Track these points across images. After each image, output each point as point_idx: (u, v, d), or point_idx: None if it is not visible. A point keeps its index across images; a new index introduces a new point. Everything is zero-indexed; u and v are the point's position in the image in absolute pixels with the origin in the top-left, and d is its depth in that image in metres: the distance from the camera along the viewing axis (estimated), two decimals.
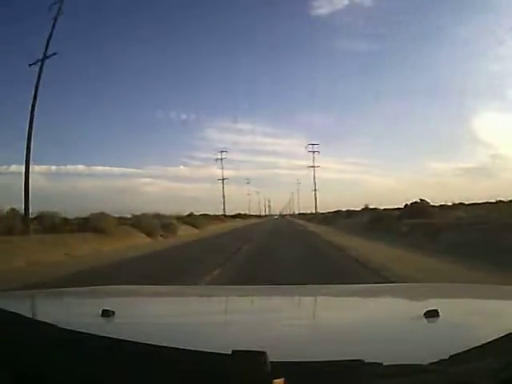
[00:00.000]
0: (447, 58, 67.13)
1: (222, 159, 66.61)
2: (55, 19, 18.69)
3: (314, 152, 65.81)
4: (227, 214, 66.29)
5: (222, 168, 67.29)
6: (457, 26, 71.01)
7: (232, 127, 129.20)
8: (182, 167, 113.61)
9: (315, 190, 65.16)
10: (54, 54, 18.76)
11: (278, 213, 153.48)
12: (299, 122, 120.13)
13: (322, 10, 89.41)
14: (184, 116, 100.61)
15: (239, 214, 75.61)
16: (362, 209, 36.59)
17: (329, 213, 59.42)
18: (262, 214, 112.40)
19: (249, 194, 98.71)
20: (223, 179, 66.82)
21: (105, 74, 71.91)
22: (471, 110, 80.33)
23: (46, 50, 18.51)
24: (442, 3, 41.49)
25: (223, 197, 65.89)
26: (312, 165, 65.50)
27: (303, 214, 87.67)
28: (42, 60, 18.43)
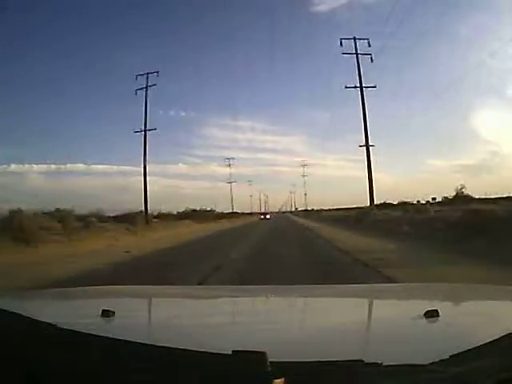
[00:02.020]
0: (447, 54, 67.23)
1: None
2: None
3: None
4: (220, 211, 64.95)
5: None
6: (457, 23, 71.01)
7: (231, 124, 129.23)
8: (181, 165, 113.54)
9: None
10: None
11: (277, 210, 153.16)
12: (299, 119, 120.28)
13: (322, 6, 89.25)
14: (183, 113, 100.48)
15: (222, 214, 64.74)
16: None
17: (330, 210, 60.98)
18: (262, 211, 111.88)
19: (251, 196, 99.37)
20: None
21: (105, 72, 71.71)
22: (470, 106, 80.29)
23: None
24: (443, 1, 41.66)
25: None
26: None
27: (307, 210, 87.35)
28: None
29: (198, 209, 49.86)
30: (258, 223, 47.26)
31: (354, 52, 29.04)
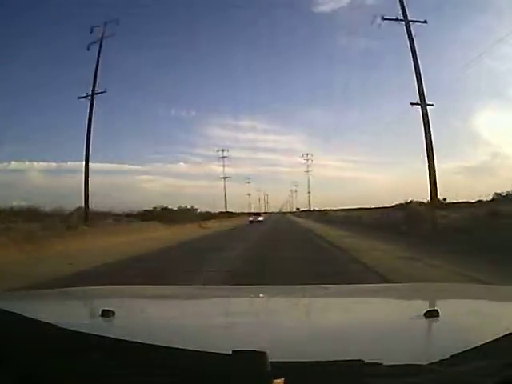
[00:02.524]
0: (447, 55, 67.20)
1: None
2: None
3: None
4: (205, 211, 59.97)
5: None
6: (457, 24, 71.05)
7: (232, 124, 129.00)
8: (181, 164, 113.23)
9: (309, 192, 73.76)
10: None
11: (278, 210, 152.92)
12: (299, 119, 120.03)
13: (324, 7, 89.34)
14: (184, 113, 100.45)
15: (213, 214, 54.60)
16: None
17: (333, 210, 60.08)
18: (262, 211, 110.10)
19: (249, 194, 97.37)
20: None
21: (105, 71, 71.79)
22: (471, 107, 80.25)
23: None
24: (443, 2, 41.52)
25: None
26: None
27: (309, 210, 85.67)
28: None
29: (173, 207, 38.99)
30: (243, 229, 29.14)
31: None
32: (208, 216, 45.45)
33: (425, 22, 21.88)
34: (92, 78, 24.70)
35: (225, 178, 63.86)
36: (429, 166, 20.43)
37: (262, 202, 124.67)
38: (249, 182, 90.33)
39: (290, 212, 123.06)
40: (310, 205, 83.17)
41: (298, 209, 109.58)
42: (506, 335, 0.78)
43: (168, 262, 10.89)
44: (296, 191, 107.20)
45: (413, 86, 21.28)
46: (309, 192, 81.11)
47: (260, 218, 47.68)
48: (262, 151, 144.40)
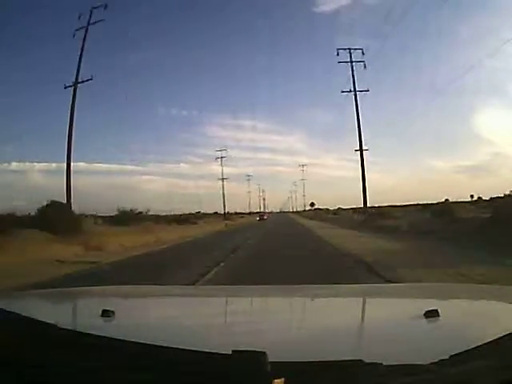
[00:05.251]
0: (448, 55, 67.21)
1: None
2: None
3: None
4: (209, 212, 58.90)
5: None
6: (458, 23, 71.06)
7: (233, 124, 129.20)
8: (182, 164, 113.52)
9: (304, 195, 76.52)
10: None
11: (278, 210, 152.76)
12: (300, 118, 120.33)
13: (325, 6, 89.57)
14: (185, 113, 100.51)
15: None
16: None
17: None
18: (262, 210, 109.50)
19: (249, 192, 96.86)
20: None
21: (106, 70, 71.75)
22: (472, 107, 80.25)
23: None
24: (444, 1, 41.64)
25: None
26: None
27: (312, 210, 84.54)
28: None
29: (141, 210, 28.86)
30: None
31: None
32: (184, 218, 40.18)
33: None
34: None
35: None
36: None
37: (262, 201, 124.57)
38: (249, 179, 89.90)
39: (292, 211, 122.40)
40: (314, 204, 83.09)
41: (304, 209, 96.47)
42: (506, 335, 0.78)
43: None
44: (296, 191, 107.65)
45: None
46: (304, 195, 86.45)
47: (265, 217, 58.38)
48: (262, 151, 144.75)
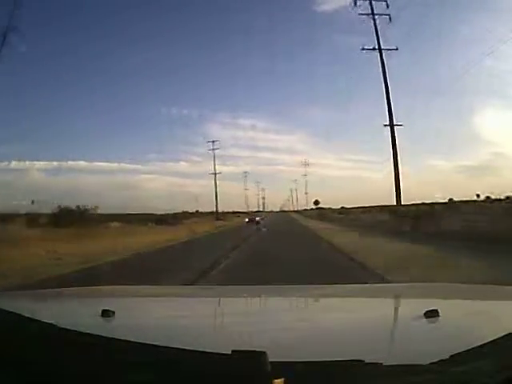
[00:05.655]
0: (448, 55, 67.18)
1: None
2: None
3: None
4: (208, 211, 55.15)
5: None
6: (458, 24, 71.14)
7: (233, 123, 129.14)
8: (182, 163, 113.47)
9: (306, 192, 73.87)
10: None
11: (278, 209, 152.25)
12: (300, 117, 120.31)
13: (325, 5, 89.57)
14: (185, 112, 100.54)
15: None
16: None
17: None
18: (261, 210, 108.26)
19: (246, 189, 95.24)
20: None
21: (107, 70, 71.87)
22: (472, 107, 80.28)
23: None
24: (444, 1, 41.53)
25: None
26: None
27: (315, 209, 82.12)
28: None
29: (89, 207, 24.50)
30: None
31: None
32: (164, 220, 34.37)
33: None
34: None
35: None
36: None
37: (262, 200, 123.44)
38: (246, 175, 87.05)
39: (294, 211, 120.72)
40: (317, 203, 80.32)
41: (312, 208, 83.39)
42: (506, 335, 0.78)
43: None
44: (296, 189, 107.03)
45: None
46: (306, 193, 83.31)
47: (257, 218, 45.27)
48: (263, 150, 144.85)
